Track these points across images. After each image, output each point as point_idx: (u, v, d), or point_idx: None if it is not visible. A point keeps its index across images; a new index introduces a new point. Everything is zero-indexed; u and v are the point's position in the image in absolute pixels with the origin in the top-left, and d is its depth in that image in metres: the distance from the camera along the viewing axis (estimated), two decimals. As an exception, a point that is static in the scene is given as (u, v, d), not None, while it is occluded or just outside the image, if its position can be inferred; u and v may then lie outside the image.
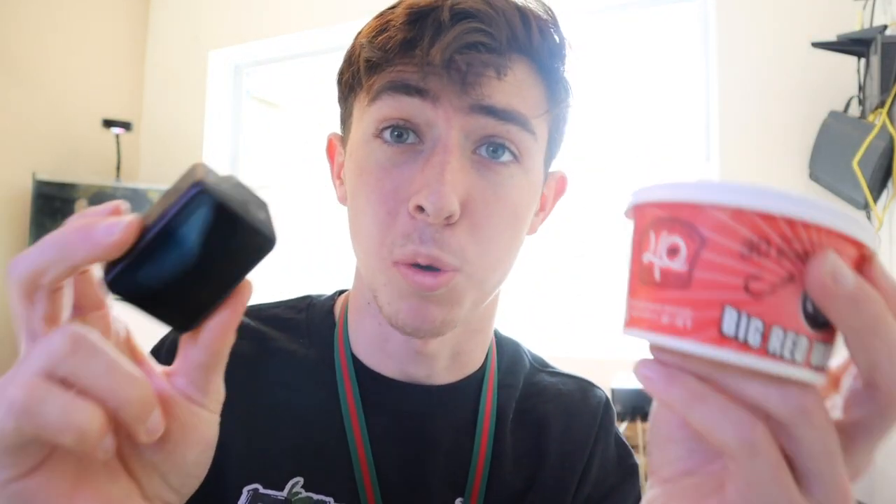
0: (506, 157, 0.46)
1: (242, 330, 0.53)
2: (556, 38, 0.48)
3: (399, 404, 0.53)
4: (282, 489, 0.48)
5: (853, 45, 1.66)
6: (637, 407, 1.64)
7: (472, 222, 0.45)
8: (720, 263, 0.23)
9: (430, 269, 0.45)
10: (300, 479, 0.49)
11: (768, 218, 0.23)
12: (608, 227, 2.33)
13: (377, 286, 0.47)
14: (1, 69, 2.63)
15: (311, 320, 0.57)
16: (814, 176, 1.83)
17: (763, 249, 0.23)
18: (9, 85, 2.65)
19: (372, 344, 0.53)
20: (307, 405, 0.52)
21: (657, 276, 0.25)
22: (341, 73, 0.52)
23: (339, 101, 0.54)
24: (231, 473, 0.48)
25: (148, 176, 3.11)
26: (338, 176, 0.56)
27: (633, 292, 0.27)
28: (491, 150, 0.46)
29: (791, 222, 0.23)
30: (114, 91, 3.09)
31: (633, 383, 1.70)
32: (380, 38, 0.45)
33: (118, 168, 2.76)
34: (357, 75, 0.48)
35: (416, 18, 0.45)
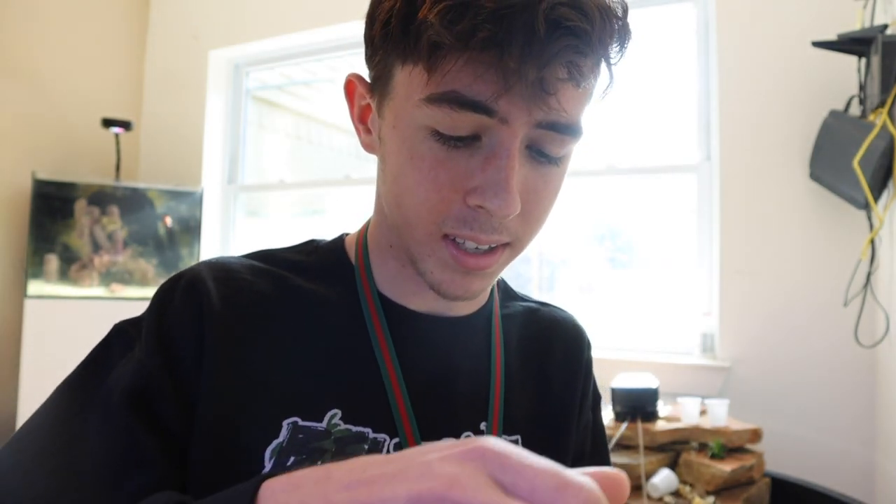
0: (552, 159, 0.47)
1: (259, 272, 0.55)
2: (625, 36, 0.45)
3: (426, 336, 0.56)
4: (321, 420, 0.49)
5: (854, 44, 1.66)
6: (637, 407, 1.63)
7: (525, 210, 0.47)
8: None
9: (482, 249, 0.47)
10: (338, 412, 0.50)
11: None
12: (607, 228, 2.32)
13: (420, 254, 0.49)
14: (1, 69, 2.63)
15: (323, 262, 0.58)
16: (814, 175, 1.83)
17: None
18: (9, 85, 2.66)
19: (395, 280, 0.56)
20: (337, 341, 0.53)
21: None
22: (387, 31, 0.45)
23: (370, 60, 0.50)
24: (269, 408, 0.49)
25: (147, 175, 3.11)
26: (361, 121, 0.54)
27: None
28: (541, 152, 0.47)
29: None
30: (113, 91, 3.09)
31: (633, 383, 1.70)
32: (458, 26, 0.40)
33: (118, 167, 2.76)
34: (415, 47, 0.43)
35: (505, 15, 0.39)
